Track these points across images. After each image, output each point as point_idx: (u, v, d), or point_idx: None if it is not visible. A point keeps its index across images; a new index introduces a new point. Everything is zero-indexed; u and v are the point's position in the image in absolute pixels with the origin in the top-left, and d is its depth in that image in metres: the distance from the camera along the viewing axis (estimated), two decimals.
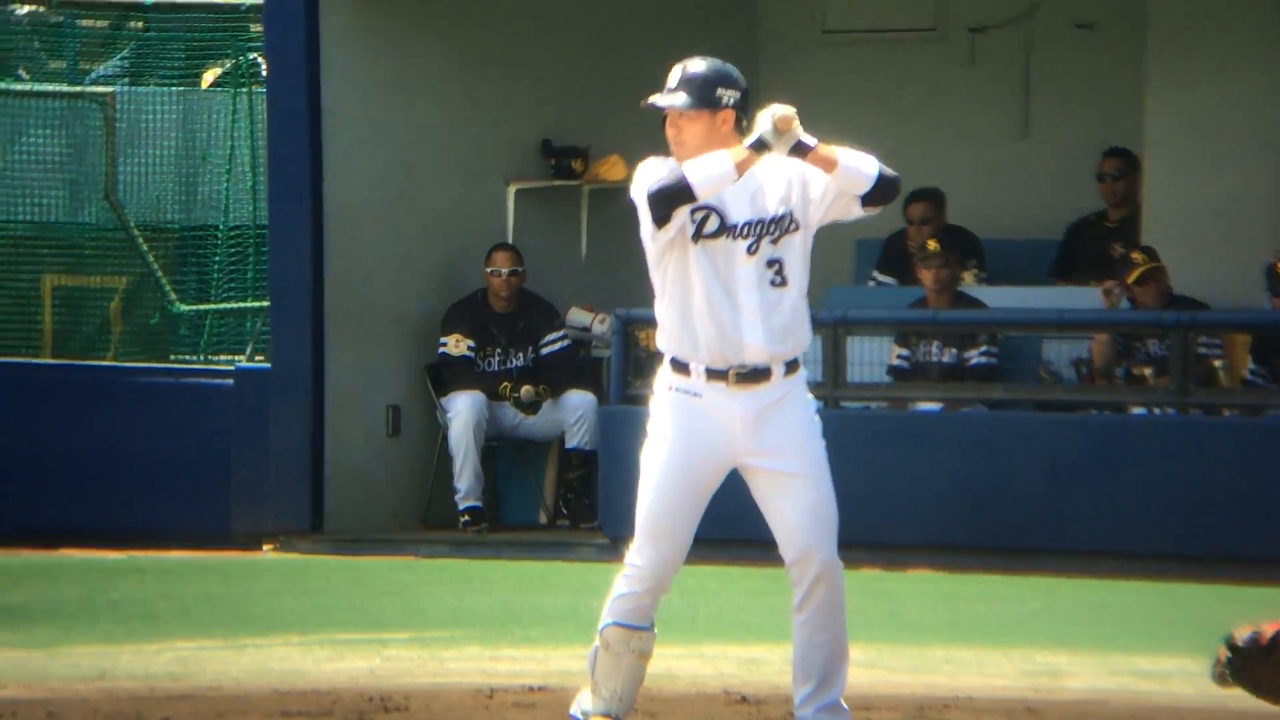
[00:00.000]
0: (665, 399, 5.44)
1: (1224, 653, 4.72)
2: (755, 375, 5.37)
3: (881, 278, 11.84)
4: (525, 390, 10.69)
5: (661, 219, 5.27)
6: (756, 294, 5.34)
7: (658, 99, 5.40)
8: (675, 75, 5.42)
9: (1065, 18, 12.19)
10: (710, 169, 5.25)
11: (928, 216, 11.63)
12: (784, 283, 5.36)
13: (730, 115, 5.36)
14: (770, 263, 5.35)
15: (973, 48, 12.32)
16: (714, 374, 5.37)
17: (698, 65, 5.39)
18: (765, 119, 5.25)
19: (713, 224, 5.35)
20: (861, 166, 5.31)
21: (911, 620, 8.71)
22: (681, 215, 5.29)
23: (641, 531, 5.43)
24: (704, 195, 5.25)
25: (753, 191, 5.36)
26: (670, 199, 5.25)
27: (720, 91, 5.36)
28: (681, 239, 5.35)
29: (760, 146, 5.24)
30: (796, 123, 5.24)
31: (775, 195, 5.35)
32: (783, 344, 5.37)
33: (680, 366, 5.42)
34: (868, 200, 5.34)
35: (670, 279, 5.38)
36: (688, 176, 5.25)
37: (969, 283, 11.44)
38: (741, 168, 5.26)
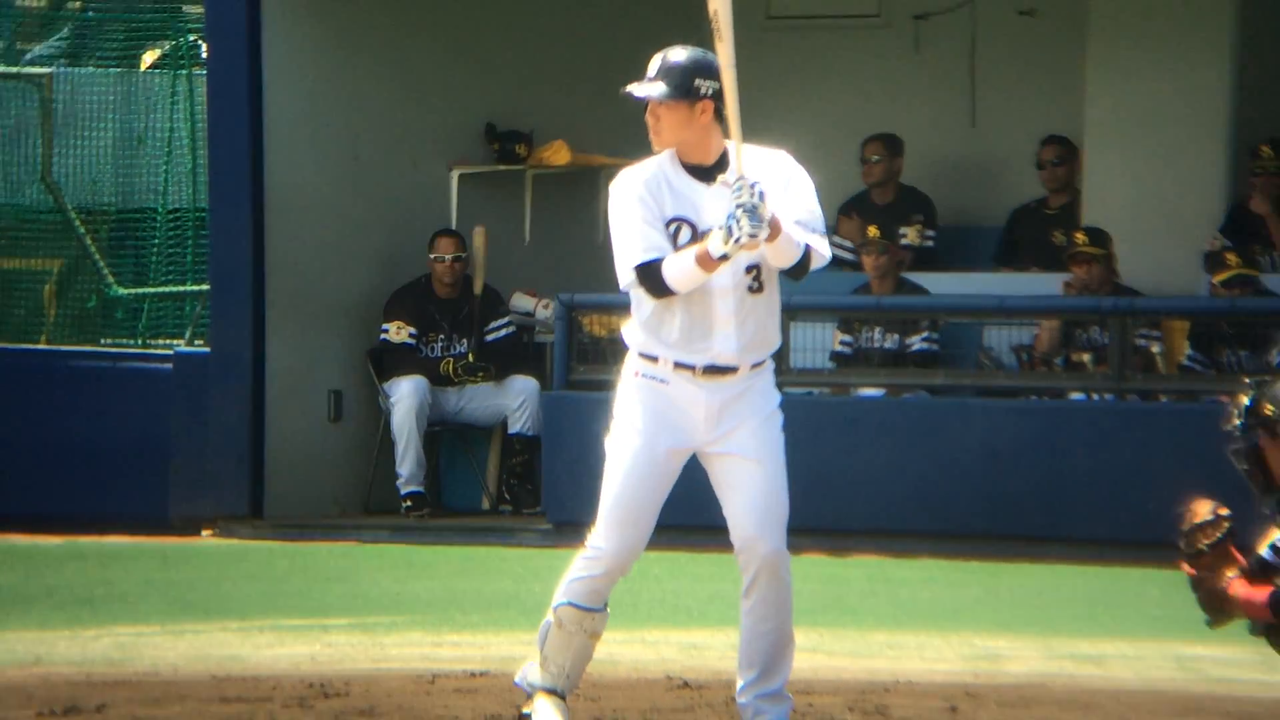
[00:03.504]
0: (632, 385, 5.45)
1: None
2: (722, 371, 5.41)
3: (837, 239, 11.94)
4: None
5: (655, 297, 5.35)
6: (732, 300, 5.37)
7: (636, 88, 5.40)
8: (655, 64, 5.42)
9: (1008, 5, 12.23)
10: (686, 278, 5.30)
11: (880, 155, 11.72)
12: (760, 288, 5.39)
13: (709, 105, 5.36)
14: (748, 268, 5.37)
15: (917, 35, 12.35)
16: (681, 365, 5.41)
17: (678, 55, 5.39)
18: (737, 231, 5.18)
19: (684, 236, 5.38)
20: (797, 245, 5.33)
21: (853, 605, 8.75)
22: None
23: (607, 516, 5.42)
24: (682, 292, 5.33)
25: None
26: (656, 289, 5.33)
27: (699, 82, 5.36)
28: None
29: (725, 259, 5.28)
30: (763, 235, 5.21)
31: None
32: (753, 349, 5.41)
33: (647, 356, 5.44)
34: (782, 272, 5.39)
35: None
36: (666, 278, 5.31)
37: (912, 239, 11.51)
38: (712, 273, 5.31)
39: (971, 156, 12.38)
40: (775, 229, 5.24)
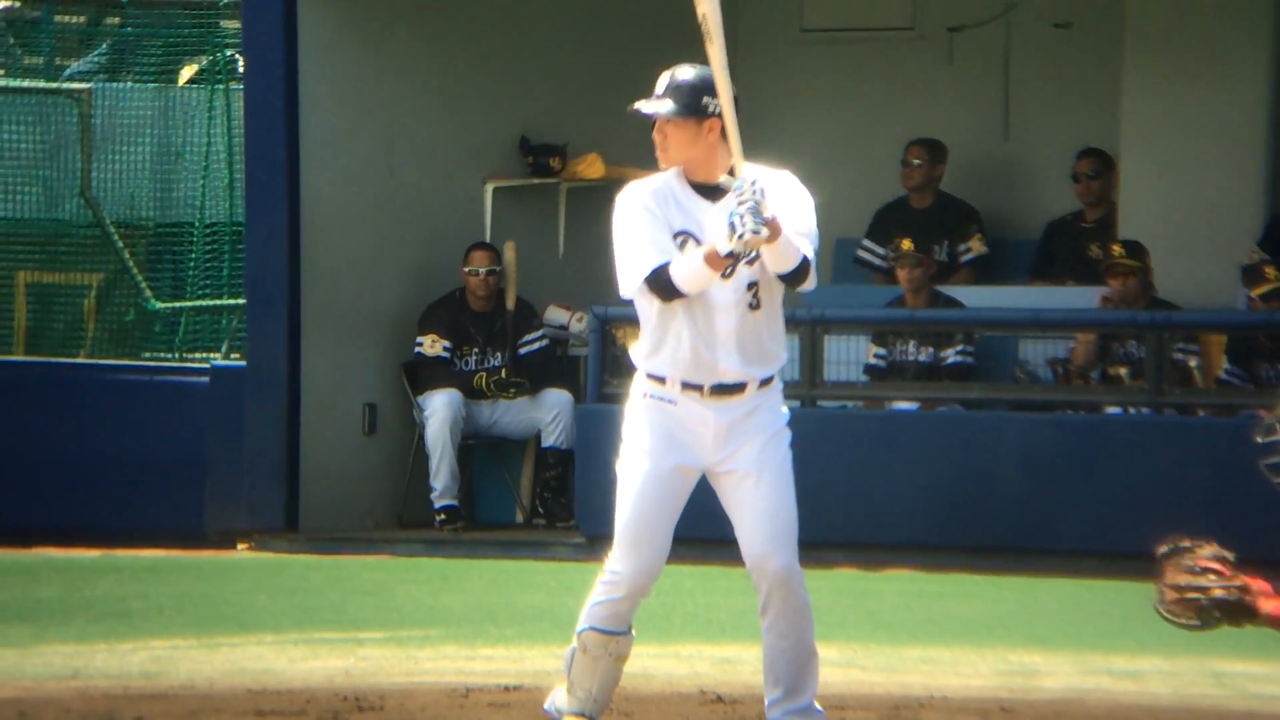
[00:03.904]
0: (640, 406, 5.46)
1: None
2: (730, 389, 5.42)
3: (870, 244, 11.93)
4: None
5: (666, 301, 5.35)
6: (735, 318, 5.38)
7: (644, 105, 5.41)
8: (663, 82, 5.42)
9: (1043, 17, 12.20)
10: (695, 277, 5.31)
11: (921, 160, 11.75)
12: (758, 305, 5.40)
13: (716, 124, 5.37)
14: (748, 286, 5.38)
15: (951, 47, 12.33)
16: (689, 386, 5.42)
17: (686, 73, 5.40)
18: (740, 228, 5.19)
19: (689, 250, 5.37)
20: (796, 250, 5.33)
21: (887, 620, 8.72)
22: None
23: (622, 539, 5.43)
24: (692, 293, 5.34)
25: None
26: (666, 292, 5.34)
27: (707, 100, 5.36)
28: None
29: (731, 256, 5.29)
30: (765, 233, 5.22)
31: None
32: (758, 365, 5.42)
33: (655, 377, 5.46)
34: (781, 277, 5.38)
35: (650, 307, 5.41)
36: (675, 280, 5.32)
37: (978, 249, 11.50)
38: (720, 272, 5.32)
39: (1005, 169, 12.35)
40: (775, 230, 5.24)
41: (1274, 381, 10.43)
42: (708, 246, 5.28)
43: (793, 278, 5.35)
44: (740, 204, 5.21)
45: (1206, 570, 5.04)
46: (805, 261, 5.33)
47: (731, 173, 5.34)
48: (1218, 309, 10.99)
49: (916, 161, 11.86)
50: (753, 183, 5.23)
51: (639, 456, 5.41)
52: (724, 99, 5.31)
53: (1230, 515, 9.98)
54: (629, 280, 5.39)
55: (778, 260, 5.31)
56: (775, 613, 5.38)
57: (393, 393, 11.67)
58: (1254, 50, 11.27)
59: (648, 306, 5.41)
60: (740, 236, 5.20)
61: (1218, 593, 5.00)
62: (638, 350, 5.48)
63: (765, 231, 5.20)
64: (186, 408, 11.36)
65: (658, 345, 5.41)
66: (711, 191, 5.39)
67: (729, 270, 5.35)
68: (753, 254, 5.34)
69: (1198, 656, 7.42)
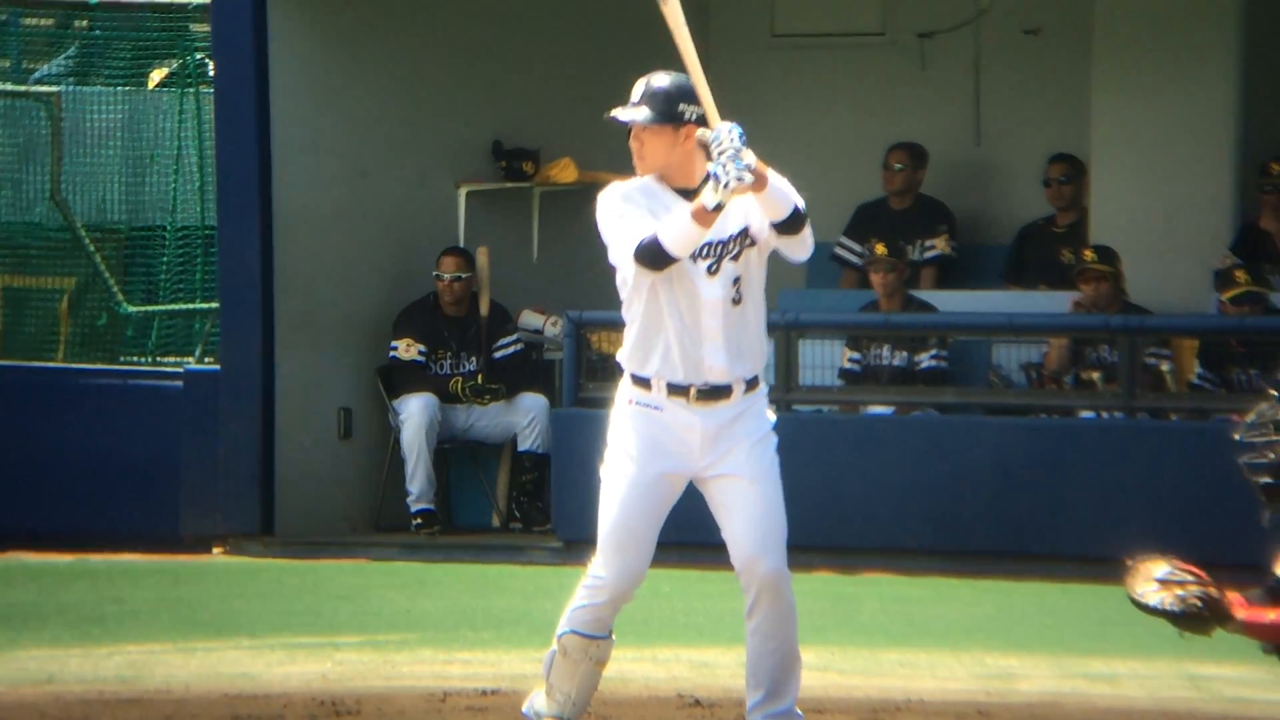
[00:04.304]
0: (626, 412, 5.47)
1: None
2: (716, 393, 5.42)
3: (847, 241, 11.96)
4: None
5: (656, 270, 5.32)
6: (721, 315, 5.38)
7: (620, 113, 5.41)
8: (639, 89, 5.42)
9: (1013, 23, 12.26)
10: (684, 236, 5.27)
11: (903, 164, 11.83)
12: (741, 300, 5.40)
13: (692, 130, 5.38)
14: (733, 281, 5.39)
15: (922, 53, 12.38)
16: (675, 389, 5.42)
17: (661, 80, 5.40)
18: (724, 176, 5.13)
19: None
20: (787, 194, 5.30)
21: (864, 623, 8.75)
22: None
23: (606, 545, 5.43)
24: (681, 255, 5.30)
25: None
26: (656, 259, 5.30)
27: (683, 107, 5.37)
28: None
29: (719, 208, 5.24)
30: (749, 178, 5.18)
31: (733, 213, 5.36)
32: (744, 364, 5.42)
33: (641, 381, 5.45)
34: (779, 228, 5.34)
35: (638, 304, 5.42)
36: (663, 243, 5.28)
37: (942, 248, 11.54)
38: (708, 228, 5.28)
39: (978, 174, 12.40)
40: (762, 177, 5.21)
41: (1245, 385, 10.50)
42: (694, 204, 5.23)
43: (789, 225, 5.28)
44: (720, 154, 5.17)
45: (1186, 571, 5.10)
46: (799, 210, 5.27)
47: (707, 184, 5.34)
48: (1189, 313, 11.06)
49: (899, 165, 11.93)
50: (730, 129, 5.19)
51: (624, 462, 5.41)
52: (687, 53, 5.26)
53: (1203, 518, 10.04)
54: (622, 264, 5.35)
55: (771, 207, 5.26)
56: (762, 615, 5.39)
57: (368, 397, 11.65)
58: (1223, 55, 11.34)
59: (635, 300, 5.39)
60: (725, 185, 5.14)
61: (1196, 588, 5.06)
62: (623, 351, 5.48)
63: (749, 177, 5.16)
64: (160, 412, 11.32)
65: (643, 343, 5.41)
66: (690, 196, 5.38)
67: (713, 267, 5.34)
68: (736, 250, 5.35)
69: (1173, 660, 7.46)
